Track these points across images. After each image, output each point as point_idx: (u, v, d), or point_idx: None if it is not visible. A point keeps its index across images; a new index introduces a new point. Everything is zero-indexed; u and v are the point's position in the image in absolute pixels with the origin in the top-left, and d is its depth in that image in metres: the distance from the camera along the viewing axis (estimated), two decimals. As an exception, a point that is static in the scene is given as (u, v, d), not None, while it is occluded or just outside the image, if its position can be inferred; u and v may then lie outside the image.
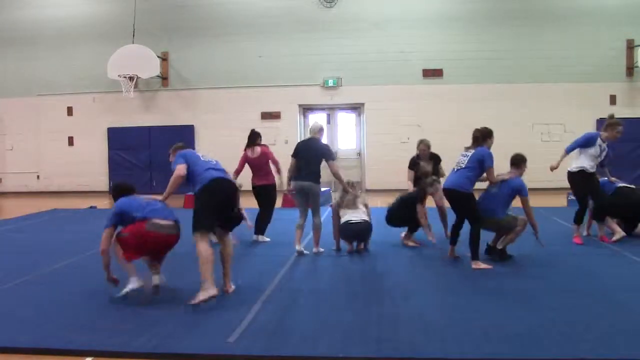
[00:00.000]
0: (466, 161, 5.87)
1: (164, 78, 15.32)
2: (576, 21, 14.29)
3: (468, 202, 5.82)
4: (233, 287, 4.89)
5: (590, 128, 14.32)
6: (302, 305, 4.44)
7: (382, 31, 14.65)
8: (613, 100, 14.38)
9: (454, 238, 6.13)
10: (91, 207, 11.95)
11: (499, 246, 5.93)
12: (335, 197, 7.10)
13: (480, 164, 5.84)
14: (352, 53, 14.71)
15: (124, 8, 14.87)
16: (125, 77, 13.93)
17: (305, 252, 6.50)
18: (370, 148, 15.05)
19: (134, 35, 14.23)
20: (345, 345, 3.54)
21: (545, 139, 14.37)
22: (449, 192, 5.91)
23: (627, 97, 14.39)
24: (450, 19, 14.58)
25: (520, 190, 5.90)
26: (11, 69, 15.73)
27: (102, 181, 15.70)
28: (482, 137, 5.98)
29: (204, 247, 4.45)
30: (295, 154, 6.64)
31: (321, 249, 6.57)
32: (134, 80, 14.06)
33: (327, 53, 14.81)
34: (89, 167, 15.64)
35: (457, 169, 5.91)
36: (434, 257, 6.27)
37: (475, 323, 3.91)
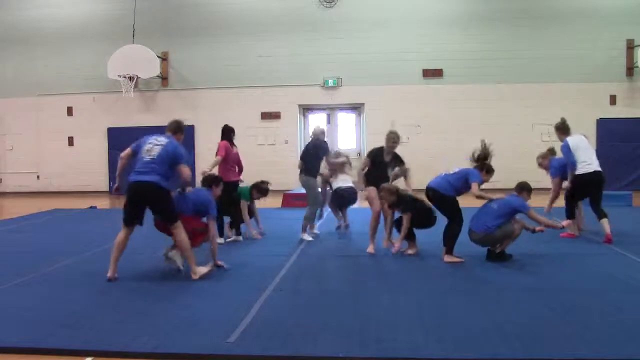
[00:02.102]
0: (455, 170, 6.07)
1: (164, 78, 15.32)
2: (576, 21, 14.30)
3: (449, 204, 5.98)
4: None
5: (591, 128, 14.37)
6: (302, 305, 4.44)
7: (382, 31, 14.66)
8: (613, 100, 14.39)
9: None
10: (91, 207, 11.94)
11: (497, 250, 5.93)
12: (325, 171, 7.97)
13: (464, 179, 5.97)
14: (352, 53, 14.71)
15: (124, 8, 14.88)
16: (125, 77, 13.94)
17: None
18: (370, 148, 14.98)
19: (134, 35, 14.24)
20: (345, 345, 3.54)
21: (545, 139, 14.30)
22: (431, 193, 6.04)
23: (627, 97, 14.39)
24: (450, 19, 14.58)
25: (521, 208, 5.82)
26: (11, 69, 15.74)
27: (102, 181, 15.71)
28: (477, 159, 6.10)
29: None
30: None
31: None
32: (134, 80, 14.08)
33: (327, 53, 14.82)
34: (89, 167, 15.65)
35: (444, 174, 6.08)
36: (433, 257, 6.26)
37: (475, 323, 3.91)
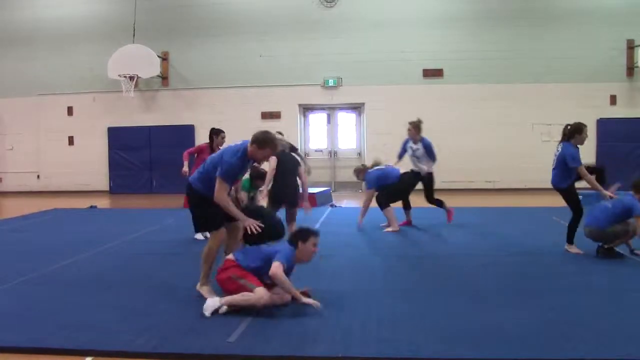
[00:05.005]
0: (555, 160, 6.27)
1: (164, 78, 15.32)
2: (576, 21, 14.29)
3: (566, 195, 6.27)
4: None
5: (591, 128, 14.34)
6: (302, 306, 4.43)
7: (382, 31, 14.65)
8: (613, 100, 14.38)
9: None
10: (91, 207, 11.94)
11: (606, 245, 6.05)
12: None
13: (563, 162, 6.12)
14: (352, 53, 14.70)
15: (124, 8, 14.88)
16: (125, 77, 13.92)
17: None
18: (370, 148, 15.04)
19: (134, 35, 14.23)
20: (345, 345, 3.54)
21: (545, 139, 14.35)
22: (554, 187, 6.37)
23: (627, 97, 14.38)
24: (450, 19, 14.57)
25: (631, 209, 5.86)
26: (11, 69, 15.73)
27: (102, 181, 15.70)
28: (569, 133, 6.22)
29: None
30: None
31: None
32: (134, 80, 14.06)
33: (327, 53, 14.81)
34: (89, 167, 15.64)
35: (553, 167, 6.37)
36: (433, 257, 6.27)
37: (475, 323, 3.92)
